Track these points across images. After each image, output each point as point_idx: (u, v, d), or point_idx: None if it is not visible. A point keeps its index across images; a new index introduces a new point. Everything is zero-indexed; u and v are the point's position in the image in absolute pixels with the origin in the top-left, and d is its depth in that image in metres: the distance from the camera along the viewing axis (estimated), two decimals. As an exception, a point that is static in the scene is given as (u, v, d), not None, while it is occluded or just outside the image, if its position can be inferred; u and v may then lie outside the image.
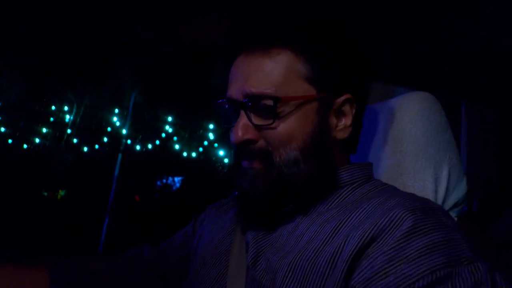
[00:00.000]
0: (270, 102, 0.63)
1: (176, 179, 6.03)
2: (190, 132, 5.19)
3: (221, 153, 5.21)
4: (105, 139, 4.89)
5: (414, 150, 0.78)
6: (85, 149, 4.88)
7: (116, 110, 4.83)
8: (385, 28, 0.92)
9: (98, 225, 4.45)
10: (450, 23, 0.88)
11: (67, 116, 4.72)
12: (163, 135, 5.13)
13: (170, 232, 0.90)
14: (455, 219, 0.77)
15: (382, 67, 1.09)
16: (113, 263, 0.79)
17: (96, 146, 4.92)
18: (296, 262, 0.59)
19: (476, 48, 0.98)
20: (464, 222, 0.77)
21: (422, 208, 0.56)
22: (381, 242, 0.54)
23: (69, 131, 4.74)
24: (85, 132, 4.82)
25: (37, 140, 4.72)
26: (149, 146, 5.10)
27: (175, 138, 5.18)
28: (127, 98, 4.79)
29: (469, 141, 1.23)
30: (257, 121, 0.65)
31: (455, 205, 0.79)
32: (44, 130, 4.73)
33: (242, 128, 0.65)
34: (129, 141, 4.92)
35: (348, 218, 0.60)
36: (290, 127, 0.64)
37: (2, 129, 4.61)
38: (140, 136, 5.00)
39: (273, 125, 0.64)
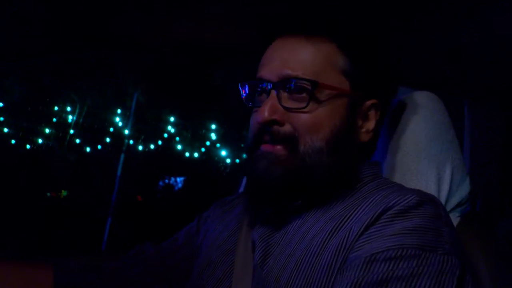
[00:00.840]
0: (307, 85, 0.63)
1: (178, 179, 6.04)
2: (192, 133, 5.20)
3: (223, 153, 5.22)
4: (108, 140, 4.90)
5: (416, 150, 0.77)
6: (88, 149, 4.89)
7: (119, 111, 4.85)
8: (387, 27, 0.92)
9: (100, 225, 4.46)
10: (454, 23, 0.88)
11: (70, 117, 4.74)
12: (165, 135, 5.14)
13: (172, 232, 0.90)
14: (458, 219, 0.77)
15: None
16: (117, 262, 0.79)
17: (99, 147, 4.93)
18: (302, 257, 0.59)
19: (479, 48, 0.97)
20: (467, 222, 0.77)
21: (421, 199, 0.57)
22: (373, 226, 0.56)
23: (71, 131, 4.75)
24: (88, 132, 4.83)
25: (40, 141, 4.74)
26: (152, 146, 5.11)
27: (177, 138, 5.18)
28: (130, 98, 4.80)
29: (472, 141, 1.23)
30: (288, 104, 0.64)
31: (458, 205, 0.78)
32: (47, 130, 4.75)
33: (270, 108, 0.63)
34: (131, 142, 4.93)
35: (353, 212, 0.61)
36: (321, 115, 0.64)
37: (5, 130, 4.63)
38: (143, 137, 5.01)
39: (305, 109, 0.63)
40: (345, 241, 0.57)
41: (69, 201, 5.33)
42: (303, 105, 0.63)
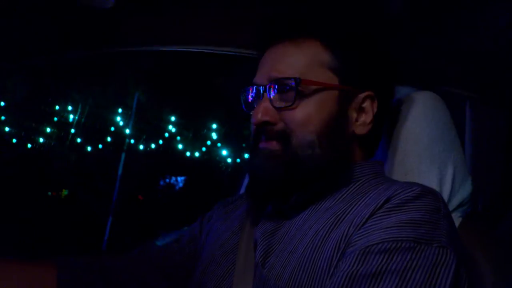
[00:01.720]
0: (291, 83, 0.66)
1: (179, 178, 6.05)
2: (193, 132, 5.20)
3: (224, 153, 5.22)
4: (109, 139, 4.91)
5: (418, 150, 0.77)
6: (89, 148, 4.90)
7: (120, 110, 4.85)
8: (389, 27, 0.92)
9: (101, 224, 4.46)
10: (455, 22, 0.88)
11: (71, 116, 4.74)
12: (166, 134, 5.15)
13: (173, 231, 0.90)
14: (460, 219, 0.77)
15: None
16: (120, 261, 0.79)
17: (100, 146, 4.94)
18: (304, 253, 0.59)
19: (481, 47, 0.97)
20: (469, 222, 0.76)
21: (421, 192, 0.57)
22: (372, 218, 0.56)
23: (73, 130, 4.76)
24: (89, 131, 4.84)
25: (41, 140, 4.75)
26: (153, 145, 5.11)
27: (178, 138, 5.19)
28: (131, 98, 4.80)
29: (474, 141, 1.23)
30: (278, 104, 0.68)
31: (460, 205, 0.78)
32: (48, 129, 4.76)
33: (262, 110, 0.68)
34: (132, 141, 4.93)
35: (353, 206, 0.61)
36: (309, 110, 0.66)
37: (7, 129, 4.64)
38: (144, 136, 5.02)
39: (292, 106, 0.66)
40: (345, 234, 0.57)
41: (70, 201, 5.34)
42: (291, 102, 0.66)
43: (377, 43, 0.73)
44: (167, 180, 6.04)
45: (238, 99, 0.77)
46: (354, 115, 0.69)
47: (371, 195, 0.61)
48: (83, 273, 0.72)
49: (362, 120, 0.69)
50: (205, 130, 5.21)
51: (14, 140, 4.70)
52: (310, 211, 0.67)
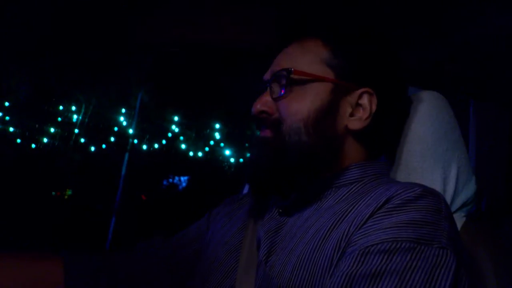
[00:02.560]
0: (284, 73, 0.70)
1: (182, 178, 6.05)
2: (197, 132, 5.21)
3: (227, 152, 5.22)
4: (112, 139, 4.92)
5: (422, 149, 0.77)
6: (93, 148, 4.92)
7: (123, 110, 4.86)
8: (392, 27, 0.92)
9: (105, 224, 4.47)
10: (459, 22, 0.88)
11: (75, 116, 4.76)
12: (170, 134, 5.15)
13: (177, 231, 0.91)
14: (464, 219, 0.77)
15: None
16: (125, 256, 0.80)
17: (103, 146, 4.95)
18: (304, 252, 0.60)
19: (485, 47, 0.97)
20: (473, 222, 0.76)
21: (422, 193, 0.57)
22: (372, 218, 0.56)
23: (76, 131, 4.78)
24: (93, 131, 4.85)
25: (45, 140, 4.77)
26: (156, 145, 5.12)
27: (181, 137, 5.20)
28: (134, 98, 4.81)
29: (478, 141, 1.22)
30: (274, 95, 0.72)
31: (464, 205, 0.78)
32: (52, 130, 4.77)
33: (260, 101, 0.72)
34: (135, 141, 4.94)
35: (354, 206, 0.62)
36: (299, 100, 0.70)
37: (11, 129, 4.66)
38: (147, 136, 5.03)
39: (284, 95, 0.70)
40: (345, 234, 0.57)
41: (74, 200, 5.36)
42: (283, 92, 0.70)
43: (378, 42, 0.74)
44: (171, 180, 6.06)
45: (241, 98, 0.80)
46: (349, 109, 0.70)
47: (372, 195, 0.61)
48: (89, 268, 0.74)
49: (359, 116, 0.70)
50: (208, 130, 5.21)
51: (18, 140, 4.72)
52: (312, 210, 0.68)
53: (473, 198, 0.78)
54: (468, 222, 0.75)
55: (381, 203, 0.57)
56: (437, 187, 0.75)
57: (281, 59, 0.75)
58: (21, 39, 1.00)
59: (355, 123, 0.70)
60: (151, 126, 5.05)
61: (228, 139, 5.22)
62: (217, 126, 5.17)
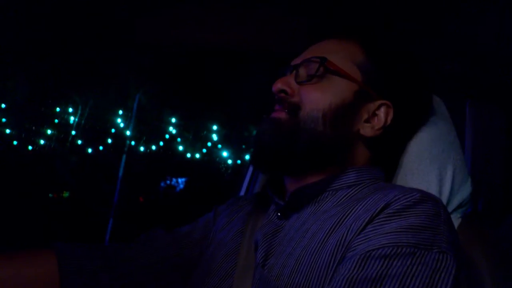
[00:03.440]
0: (317, 61, 0.71)
1: (179, 180, 6.05)
2: (194, 133, 5.20)
3: (225, 154, 5.22)
4: (109, 141, 4.91)
5: (418, 150, 0.77)
6: (90, 150, 4.90)
7: (120, 112, 4.86)
8: (388, 28, 0.92)
9: (102, 226, 4.46)
10: (455, 23, 0.88)
11: (72, 118, 4.75)
12: (167, 136, 5.15)
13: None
14: (460, 220, 0.77)
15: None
16: (125, 250, 0.80)
17: (101, 148, 4.94)
18: (302, 256, 0.60)
19: (481, 48, 0.97)
20: (469, 222, 0.76)
21: (421, 198, 0.57)
22: (371, 223, 0.57)
23: (73, 132, 4.76)
24: (90, 133, 4.84)
25: (42, 142, 4.75)
26: (153, 147, 5.12)
27: (178, 139, 5.19)
28: (131, 99, 4.81)
29: (474, 142, 1.22)
30: (299, 78, 0.72)
31: (459, 206, 0.78)
32: (49, 131, 4.76)
33: (282, 81, 0.72)
34: (133, 143, 4.94)
35: (352, 211, 0.62)
36: (324, 90, 0.70)
37: (8, 131, 4.64)
38: (144, 138, 5.02)
39: (311, 82, 0.71)
40: (343, 239, 0.57)
41: (71, 202, 5.34)
42: (311, 78, 0.71)
43: (411, 62, 0.76)
44: (168, 182, 6.05)
45: (239, 100, 0.79)
46: (366, 115, 0.71)
47: (369, 200, 0.61)
48: (85, 262, 0.73)
49: (372, 124, 0.71)
50: (205, 132, 5.21)
51: (15, 142, 4.70)
52: (309, 213, 0.68)
53: (469, 199, 0.78)
54: (464, 223, 0.75)
55: (379, 208, 0.57)
56: (433, 188, 0.75)
57: (316, 49, 0.75)
58: (17, 41, 0.99)
59: (367, 130, 0.71)
60: (148, 128, 5.04)
61: (225, 140, 5.22)
62: (215, 127, 5.17)
